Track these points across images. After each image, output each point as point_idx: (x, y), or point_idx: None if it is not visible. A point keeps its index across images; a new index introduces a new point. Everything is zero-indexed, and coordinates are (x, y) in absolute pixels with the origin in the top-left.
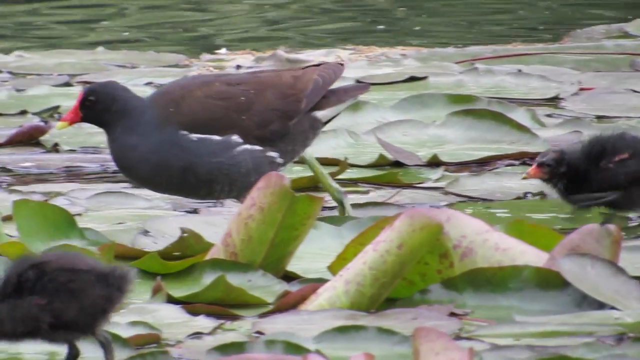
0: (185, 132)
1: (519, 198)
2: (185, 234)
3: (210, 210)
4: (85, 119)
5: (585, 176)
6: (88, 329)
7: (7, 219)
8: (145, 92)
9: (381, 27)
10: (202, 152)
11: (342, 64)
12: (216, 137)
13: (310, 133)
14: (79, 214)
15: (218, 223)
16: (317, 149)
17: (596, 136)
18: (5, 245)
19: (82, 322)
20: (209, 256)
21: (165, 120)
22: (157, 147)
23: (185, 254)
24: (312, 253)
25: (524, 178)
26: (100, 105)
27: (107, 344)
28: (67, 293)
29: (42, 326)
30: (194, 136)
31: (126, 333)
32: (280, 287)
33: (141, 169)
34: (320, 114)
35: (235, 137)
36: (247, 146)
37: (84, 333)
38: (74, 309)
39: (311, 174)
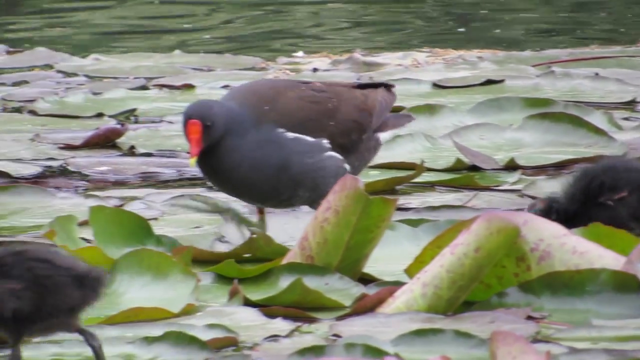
0: (282, 130)
1: None
2: (254, 235)
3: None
4: (205, 144)
5: (582, 215)
6: (52, 325)
7: (83, 223)
8: (222, 95)
9: (461, 29)
10: (297, 150)
11: (393, 93)
12: (309, 138)
13: (372, 152)
14: (155, 218)
15: (288, 225)
16: (394, 153)
17: (587, 171)
18: (81, 250)
19: (47, 316)
20: (285, 260)
21: (261, 119)
22: (255, 146)
23: (255, 256)
24: (389, 256)
25: None
26: (216, 126)
27: (97, 348)
28: (39, 285)
29: (5, 312)
30: (291, 135)
31: (203, 336)
32: (357, 290)
33: (242, 168)
34: (382, 136)
35: (325, 141)
36: (332, 153)
37: (46, 328)
38: (42, 302)
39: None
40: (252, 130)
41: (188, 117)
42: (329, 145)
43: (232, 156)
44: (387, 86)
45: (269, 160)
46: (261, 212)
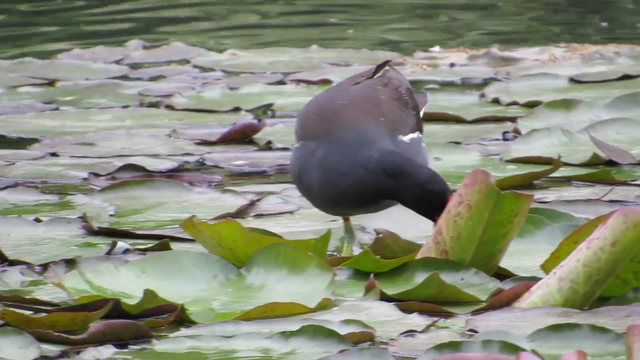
0: (401, 137)
1: None
2: (380, 235)
3: None
4: None
5: None
6: None
7: (223, 216)
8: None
9: (604, 24)
10: (417, 151)
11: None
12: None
13: None
14: (291, 212)
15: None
16: (530, 147)
17: None
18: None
19: None
20: (419, 255)
21: (387, 130)
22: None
23: (385, 256)
24: (524, 251)
25: None
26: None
27: None
28: None
29: None
30: (406, 138)
31: (340, 331)
32: (493, 284)
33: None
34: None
35: (419, 135)
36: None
37: None
38: None
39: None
40: (389, 141)
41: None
42: (420, 139)
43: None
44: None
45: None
46: (347, 220)
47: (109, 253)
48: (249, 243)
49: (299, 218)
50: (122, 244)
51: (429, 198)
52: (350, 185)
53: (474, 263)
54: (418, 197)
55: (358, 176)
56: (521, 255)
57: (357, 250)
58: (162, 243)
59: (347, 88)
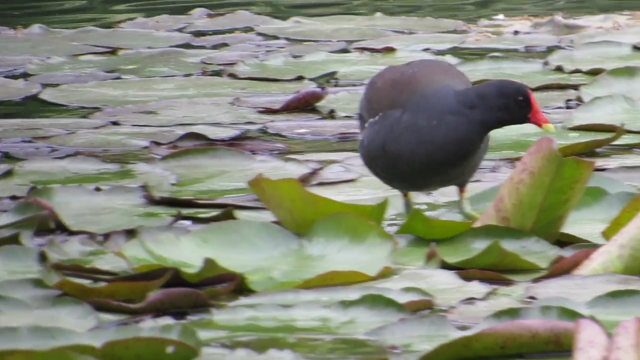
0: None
1: None
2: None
3: None
4: None
5: None
6: None
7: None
8: (422, 58)
9: None
10: None
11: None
12: None
13: None
14: (353, 180)
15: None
16: (593, 115)
17: None
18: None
19: None
20: (480, 222)
21: (462, 84)
22: None
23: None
24: (583, 220)
25: None
26: None
27: None
28: None
29: None
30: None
31: (400, 299)
32: (554, 252)
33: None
34: None
35: None
36: None
37: None
38: None
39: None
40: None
41: (526, 87)
42: None
43: None
44: None
45: None
46: (406, 195)
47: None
48: (306, 204)
49: (360, 186)
50: (184, 223)
51: (513, 101)
52: (446, 134)
53: (535, 230)
54: (504, 107)
55: (448, 122)
56: (582, 224)
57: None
58: (226, 212)
59: (408, 63)
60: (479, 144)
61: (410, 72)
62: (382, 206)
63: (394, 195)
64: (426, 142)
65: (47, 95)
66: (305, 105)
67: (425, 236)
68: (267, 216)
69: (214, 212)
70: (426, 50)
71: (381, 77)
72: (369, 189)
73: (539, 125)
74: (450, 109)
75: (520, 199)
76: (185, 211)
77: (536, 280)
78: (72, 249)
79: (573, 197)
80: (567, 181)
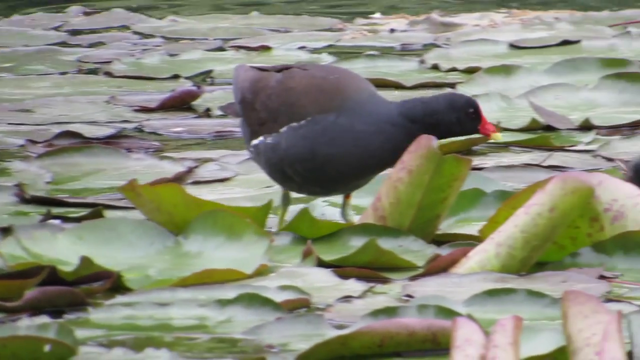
0: None
1: None
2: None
3: None
4: None
5: None
6: None
7: (156, 183)
8: (299, 56)
9: None
10: None
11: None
12: None
13: None
14: (228, 178)
15: None
16: None
17: None
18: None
19: None
20: (359, 222)
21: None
22: None
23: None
24: (461, 219)
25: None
26: None
27: None
28: None
29: None
30: None
31: (276, 297)
32: (431, 250)
33: None
34: None
35: None
36: None
37: None
38: None
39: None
40: None
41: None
42: None
43: None
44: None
45: None
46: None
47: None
48: (189, 208)
49: (234, 185)
50: (54, 222)
51: (464, 114)
52: (382, 142)
53: (412, 229)
54: (456, 120)
55: (386, 132)
56: (459, 223)
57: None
58: (95, 211)
59: (319, 68)
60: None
61: (332, 77)
62: (266, 207)
63: (269, 194)
64: (360, 146)
65: None
66: (181, 103)
67: (308, 235)
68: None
69: (84, 212)
70: (302, 48)
71: (299, 83)
72: (243, 187)
73: (488, 135)
74: (391, 120)
75: (398, 198)
76: (57, 210)
77: (413, 279)
78: None
79: (451, 195)
80: (446, 179)
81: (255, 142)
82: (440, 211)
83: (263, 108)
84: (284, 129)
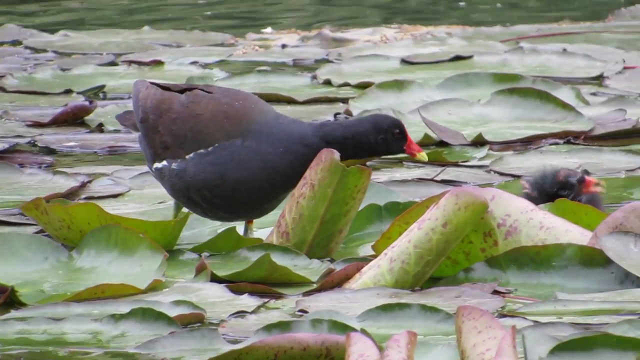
0: None
1: None
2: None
3: None
4: None
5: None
6: None
7: (53, 197)
8: (191, 71)
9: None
10: None
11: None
12: None
13: None
14: (122, 194)
15: None
16: None
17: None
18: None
19: None
20: (265, 239)
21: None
22: None
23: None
24: (356, 233)
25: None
26: None
27: None
28: None
29: None
30: None
31: (170, 312)
32: (325, 266)
33: None
34: None
35: None
36: None
37: None
38: None
39: None
40: None
41: (399, 120)
42: None
43: None
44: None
45: None
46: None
47: None
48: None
49: (127, 200)
50: None
51: (391, 135)
52: (292, 162)
53: (315, 243)
54: (382, 141)
55: (297, 152)
56: (353, 239)
57: None
58: None
59: (223, 91)
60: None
61: (238, 103)
62: (182, 222)
63: (162, 209)
64: (268, 167)
65: None
66: (74, 118)
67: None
68: (33, 229)
69: None
70: (194, 63)
71: (204, 108)
72: (136, 203)
73: (414, 155)
74: (303, 140)
75: (300, 213)
76: None
77: (307, 294)
78: None
79: (354, 207)
80: (350, 191)
81: (158, 165)
82: (342, 225)
83: (167, 132)
84: (190, 156)
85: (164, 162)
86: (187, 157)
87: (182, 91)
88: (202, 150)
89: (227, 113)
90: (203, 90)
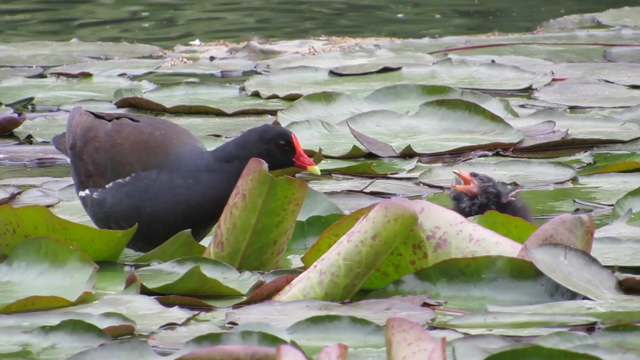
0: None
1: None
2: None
3: None
4: None
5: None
6: None
7: None
8: (119, 83)
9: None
10: None
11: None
12: None
13: None
14: (52, 205)
15: None
16: None
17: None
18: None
19: None
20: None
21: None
22: None
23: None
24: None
25: (451, 187)
26: None
27: None
28: None
29: None
30: None
31: (100, 324)
32: (255, 278)
33: None
34: None
35: None
36: None
37: None
38: None
39: None
40: None
41: (289, 131)
42: None
43: None
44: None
45: None
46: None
47: None
48: (52, 230)
49: (57, 211)
50: None
51: (275, 146)
52: (203, 192)
53: (248, 254)
54: (267, 152)
55: (204, 181)
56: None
57: None
58: None
59: (150, 121)
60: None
61: (159, 133)
62: (128, 233)
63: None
64: (182, 201)
65: None
66: (3, 130)
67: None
68: None
69: None
70: (122, 75)
71: (125, 138)
72: (66, 214)
73: (304, 167)
74: (207, 167)
75: (233, 223)
76: None
77: (237, 306)
78: None
79: (286, 219)
80: (280, 202)
81: (82, 193)
82: (275, 236)
83: (90, 161)
84: (109, 185)
85: (87, 191)
86: (106, 186)
87: (112, 119)
88: (120, 180)
89: (147, 143)
90: (131, 119)
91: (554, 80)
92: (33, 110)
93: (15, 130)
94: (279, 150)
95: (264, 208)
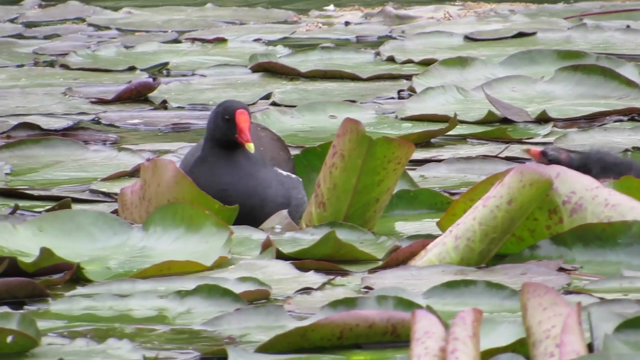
0: (277, 169)
1: (627, 151)
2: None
3: None
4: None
5: None
6: None
7: (121, 175)
8: (254, 49)
9: None
10: (294, 187)
11: None
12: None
13: None
14: None
15: None
16: (425, 105)
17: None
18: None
19: None
20: (306, 210)
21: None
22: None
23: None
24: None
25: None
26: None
27: None
28: None
29: None
30: (284, 173)
31: (236, 289)
32: (390, 243)
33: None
34: None
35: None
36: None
37: None
38: None
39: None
40: None
41: (239, 107)
42: None
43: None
44: None
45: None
46: None
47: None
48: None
49: None
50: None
51: (222, 120)
52: (201, 182)
53: (351, 213)
54: (216, 126)
55: (200, 169)
56: (416, 216)
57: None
58: (63, 203)
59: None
60: (245, 169)
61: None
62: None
63: None
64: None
65: None
66: (137, 95)
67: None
68: (102, 207)
69: (48, 205)
70: (257, 40)
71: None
72: None
73: (243, 144)
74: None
75: (334, 183)
76: (21, 203)
77: (372, 271)
78: None
79: (387, 177)
80: (379, 161)
81: None
82: (377, 194)
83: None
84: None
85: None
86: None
87: None
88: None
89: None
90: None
91: None
92: (168, 75)
93: (150, 95)
94: (225, 125)
95: (364, 167)
